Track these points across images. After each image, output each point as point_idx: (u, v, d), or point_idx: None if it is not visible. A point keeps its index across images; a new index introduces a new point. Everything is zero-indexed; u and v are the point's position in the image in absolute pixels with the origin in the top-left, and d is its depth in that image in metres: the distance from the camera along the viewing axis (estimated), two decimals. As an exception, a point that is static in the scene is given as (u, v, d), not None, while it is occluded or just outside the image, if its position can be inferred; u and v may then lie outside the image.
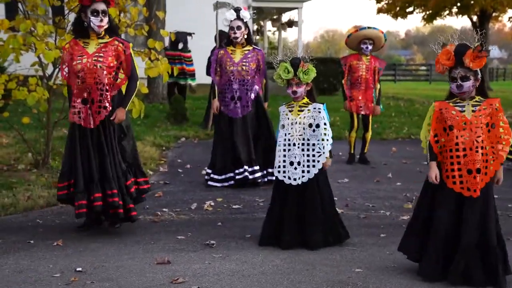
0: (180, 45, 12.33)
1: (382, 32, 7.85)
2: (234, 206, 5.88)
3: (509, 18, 22.69)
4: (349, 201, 6.13)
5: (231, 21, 6.55)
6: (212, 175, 6.71)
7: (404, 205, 5.95)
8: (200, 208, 5.78)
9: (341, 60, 8.25)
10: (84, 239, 4.74)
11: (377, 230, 5.08)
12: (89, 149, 4.69)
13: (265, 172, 6.72)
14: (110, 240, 4.74)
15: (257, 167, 6.63)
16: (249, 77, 6.60)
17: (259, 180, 6.66)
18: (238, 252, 4.47)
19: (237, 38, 6.57)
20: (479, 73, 3.80)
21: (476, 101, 3.82)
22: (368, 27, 7.77)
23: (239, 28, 6.53)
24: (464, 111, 3.80)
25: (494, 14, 26.89)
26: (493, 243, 3.78)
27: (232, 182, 6.63)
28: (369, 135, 8.22)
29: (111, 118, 4.72)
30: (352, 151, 8.27)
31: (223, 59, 6.66)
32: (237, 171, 6.60)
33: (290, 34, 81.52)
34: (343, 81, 8.03)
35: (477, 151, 3.74)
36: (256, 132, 6.73)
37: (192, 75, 12.51)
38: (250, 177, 6.58)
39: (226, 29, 6.75)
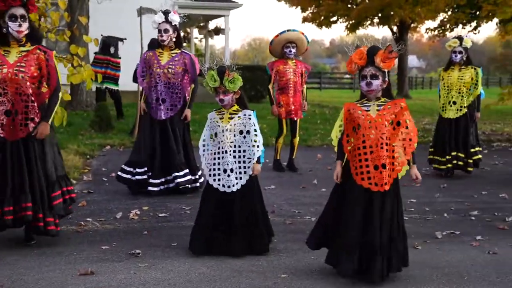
0: (112, 49, 12.14)
1: (303, 33, 7.95)
2: (160, 215, 5.81)
3: (426, 29, 23.65)
4: (275, 207, 6.19)
5: (159, 23, 6.51)
6: (123, 167, 6.65)
7: (329, 210, 6.06)
8: (126, 217, 5.67)
9: (267, 66, 8.31)
10: (1, 252, 4.54)
11: (303, 235, 5.13)
12: (6, 161, 4.51)
13: (193, 178, 6.69)
14: (29, 252, 4.57)
15: (180, 173, 6.54)
16: (175, 80, 6.55)
17: (183, 185, 6.59)
18: (164, 260, 4.41)
19: (164, 41, 6.53)
20: (387, 76, 3.96)
21: (381, 102, 3.98)
22: (288, 30, 7.89)
23: (166, 31, 6.49)
24: (369, 110, 3.96)
25: (412, 25, 28.01)
26: (396, 236, 3.92)
27: (155, 188, 6.53)
28: (297, 140, 8.32)
29: (33, 134, 4.55)
30: (278, 157, 8.35)
31: (150, 61, 6.61)
32: (157, 182, 6.53)
33: (217, 42, 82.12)
34: (269, 87, 8.12)
35: (382, 148, 3.89)
36: (182, 136, 6.67)
37: (115, 80, 12.28)
38: (178, 180, 6.51)
39: (155, 32, 6.68)
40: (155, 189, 6.52)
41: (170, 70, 6.53)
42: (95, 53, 12.32)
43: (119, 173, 6.67)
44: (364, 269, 3.89)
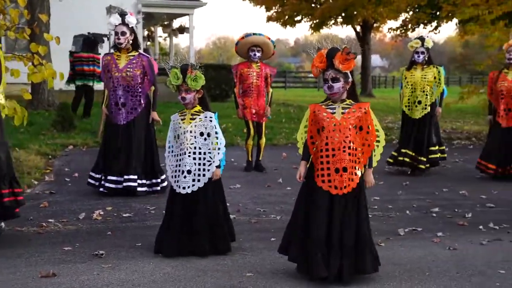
0: (101, 46, 12.00)
1: (269, 38, 7.94)
2: (124, 215, 5.75)
3: (389, 29, 23.95)
4: (240, 206, 6.20)
5: (115, 26, 6.41)
6: (91, 173, 6.61)
7: (293, 209, 6.10)
8: (89, 218, 5.60)
9: (232, 69, 8.30)
10: (-39, 255, 4.44)
11: (268, 234, 5.17)
12: None
13: (148, 182, 6.60)
14: (-11, 254, 4.47)
15: (134, 176, 6.45)
16: (133, 83, 6.48)
17: (139, 189, 6.49)
18: (128, 261, 4.37)
19: (121, 44, 6.44)
20: (350, 76, 3.98)
21: (346, 104, 4.00)
22: (254, 34, 7.88)
23: (123, 33, 6.40)
24: (334, 113, 3.98)
25: (375, 25, 28.36)
26: (351, 241, 3.92)
27: (104, 189, 6.47)
28: (263, 142, 8.30)
29: None
30: (250, 159, 8.33)
31: (109, 65, 6.52)
32: (113, 179, 6.45)
33: (182, 40, 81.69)
34: (235, 90, 8.11)
35: (344, 151, 3.92)
36: (144, 139, 6.61)
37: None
38: (124, 184, 6.42)
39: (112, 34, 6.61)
40: (112, 185, 6.44)
41: (128, 73, 6.44)
42: (74, 52, 12.14)
43: (107, 184, 6.51)
44: (331, 269, 3.88)
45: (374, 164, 4.08)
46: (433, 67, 7.92)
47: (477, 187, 7.27)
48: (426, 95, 7.89)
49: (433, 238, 5.04)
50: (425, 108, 7.93)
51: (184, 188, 4.46)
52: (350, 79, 3.99)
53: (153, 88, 6.68)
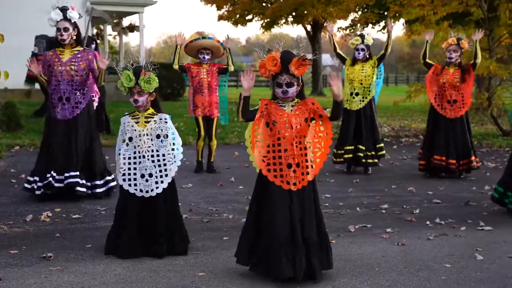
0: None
1: (218, 41, 7.95)
2: (73, 216, 5.64)
3: (338, 28, 24.25)
4: (193, 205, 6.18)
5: (57, 22, 6.24)
6: (29, 178, 6.36)
7: (245, 208, 6.10)
8: (36, 220, 5.47)
9: (183, 67, 8.23)
10: None
11: (220, 233, 5.17)
12: None
13: (89, 184, 6.40)
14: None
15: (76, 173, 6.25)
16: (78, 77, 6.34)
17: (79, 189, 6.27)
18: (77, 263, 4.29)
19: (64, 40, 6.27)
20: (301, 78, 4.04)
21: (294, 102, 4.04)
22: (203, 37, 7.88)
23: (66, 29, 6.24)
24: (284, 109, 4.00)
25: (325, 24, 28.69)
26: (314, 237, 3.95)
27: (48, 190, 6.26)
28: (214, 144, 8.22)
29: None
30: (200, 159, 8.29)
31: (51, 60, 6.30)
32: (57, 177, 6.25)
33: (132, 39, 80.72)
34: (189, 91, 8.10)
35: (296, 146, 3.95)
36: (89, 135, 6.46)
37: None
38: (66, 182, 6.23)
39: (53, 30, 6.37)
40: (59, 185, 6.29)
41: (73, 67, 6.28)
42: (38, 54, 11.77)
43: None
44: (296, 268, 3.86)
45: (325, 158, 4.10)
46: (370, 60, 8.02)
47: (424, 184, 7.45)
48: (364, 87, 8.00)
49: (383, 234, 5.14)
50: (363, 101, 8.03)
51: (147, 191, 4.42)
52: (301, 81, 4.04)
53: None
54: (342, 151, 8.08)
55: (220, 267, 4.27)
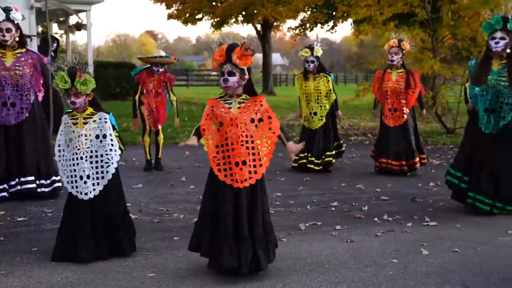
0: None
1: (175, 58, 8.12)
2: (19, 219, 5.50)
3: (288, 28, 24.48)
4: (142, 206, 6.11)
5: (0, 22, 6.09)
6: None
7: (197, 208, 6.06)
8: (-20, 224, 5.30)
9: (135, 78, 8.17)
10: None
11: (171, 233, 5.13)
12: None
13: (47, 182, 6.35)
14: None
15: (31, 178, 6.22)
16: (23, 82, 6.19)
17: (40, 190, 6.26)
18: (23, 267, 4.18)
19: (6, 41, 6.11)
20: (246, 73, 4.05)
21: (242, 99, 4.07)
22: (161, 56, 7.91)
23: (8, 30, 6.08)
24: (231, 107, 4.04)
25: (275, 24, 28.87)
26: (260, 232, 4.02)
27: (5, 194, 6.17)
28: (161, 138, 8.24)
29: None
30: (149, 157, 8.23)
31: None
32: (11, 183, 6.18)
33: (79, 38, 78.98)
34: (135, 98, 8.05)
35: (242, 145, 3.99)
36: (38, 136, 6.34)
37: None
38: (23, 187, 6.19)
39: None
40: (13, 190, 6.18)
41: (17, 72, 6.14)
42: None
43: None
44: (242, 261, 3.92)
45: (271, 156, 4.13)
46: (323, 76, 8.14)
47: (373, 181, 7.59)
48: (321, 106, 8.13)
49: (332, 232, 5.21)
50: (321, 119, 8.16)
51: (86, 194, 4.34)
52: (247, 76, 4.05)
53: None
54: (297, 157, 8.18)
55: (171, 267, 4.24)
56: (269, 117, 4.06)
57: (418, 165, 8.02)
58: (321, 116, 8.15)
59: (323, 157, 8.17)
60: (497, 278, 4.03)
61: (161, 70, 7.95)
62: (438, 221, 5.55)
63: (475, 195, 5.80)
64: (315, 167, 8.15)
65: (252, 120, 4.02)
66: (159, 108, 8.06)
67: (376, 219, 5.65)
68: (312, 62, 8.03)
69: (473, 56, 12.13)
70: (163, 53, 7.99)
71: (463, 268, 4.24)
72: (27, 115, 6.24)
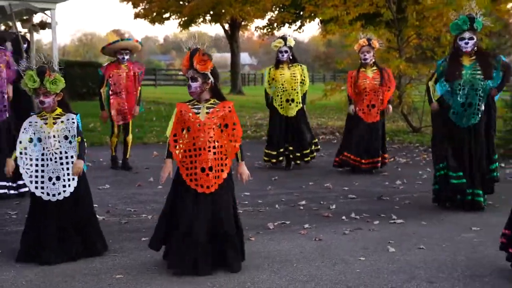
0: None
1: (137, 41, 8.03)
2: (-18, 222, 5.39)
3: (256, 27, 24.50)
4: (110, 207, 6.05)
5: None
6: None
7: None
8: None
9: (100, 70, 8.10)
10: None
11: (139, 234, 5.10)
12: None
13: (15, 184, 6.27)
14: None
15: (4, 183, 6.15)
16: (1, 80, 6.09)
17: (11, 192, 6.20)
18: (-13, 271, 4.11)
19: None
20: (210, 77, 4.08)
21: (211, 104, 4.14)
22: (122, 39, 7.88)
23: None
24: (199, 113, 4.10)
25: (243, 23, 28.86)
26: (231, 232, 4.11)
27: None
28: (130, 138, 8.20)
29: None
30: (114, 153, 8.21)
31: None
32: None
33: (44, 36, 77.74)
34: (101, 90, 7.96)
35: (209, 151, 4.07)
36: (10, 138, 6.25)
37: None
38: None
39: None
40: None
41: None
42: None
43: None
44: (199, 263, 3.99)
45: (233, 157, 4.20)
46: (298, 66, 8.23)
47: (340, 180, 7.66)
48: (297, 92, 8.19)
49: (301, 230, 5.24)
50: (298, 106, 8.22)
51: (54, 195, 4.28)
52: (211, 80, 4.09)
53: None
54: (275, 153, 8.19)
55: (139, 268, 4.21)
56: (234, 124, 4.13)
57: (378, 164, 8.12)
58: (297, 103, 8.21)
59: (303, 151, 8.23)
60: (461, 274, 4.11)
61: (126, 57, 7.85)
62: (404, 218, 5.63)
63: (473, 191, 5.91)
64: (305, 159, 8.20)
65: (219, 126, 4.10)
66: (130, 99, 7.96)
67: (344, 217, 5.71)
68: (286, 52, 8.09)
69: (437, 56, 12.35)
70: (124, 36, 7.97)
71: (429, 264, 4.32)
72: (8, 114, 6.17)
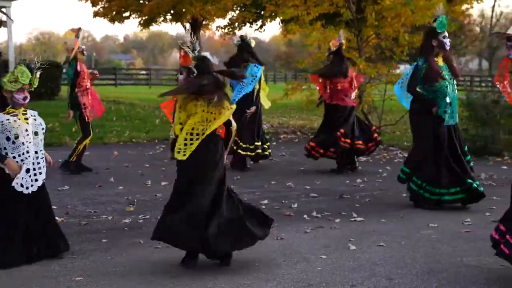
0: None
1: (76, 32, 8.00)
2: None
3: (217, 27, 24.41)
4: (69, 208, 5.96)
5: None
6: None
7: (126, 209, 6.00)
8: None
9: (76, 68, 7.99)
10: None
11: (99, 235, 5.03)
12: None
13: None
14: None
15: None
16: None
17: None
18: None
19: None
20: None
21: None
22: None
23: None
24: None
25: (204, 22, 28.73)
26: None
27: None
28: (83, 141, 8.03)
29: None
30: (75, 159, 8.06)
31: None
32: None
33: None
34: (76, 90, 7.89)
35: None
36: None
37: None
38: None
39: None
40: None
41: None
42: None
43: None
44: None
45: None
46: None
47: (302, 179, 7.71)
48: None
49: (262, 229, 5.24)
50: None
51: (27, 188, 4.24)
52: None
53: None
54: (253, 146, 8.19)
55: (99, 270, 4.16)
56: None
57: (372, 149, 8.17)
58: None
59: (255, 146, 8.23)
60: (419, 270, 4.19)
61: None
62: (364, 216, 5.71)
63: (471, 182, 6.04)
64: (250, 153, 8.16)
65: None
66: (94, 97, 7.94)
67: (305, 216, 5.75)
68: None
69: (396, 56, 12.55)
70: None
71: (388, 261, 4.39)
72: None
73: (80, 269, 4.17)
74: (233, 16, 23.00)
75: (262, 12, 18.10)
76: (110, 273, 4.10)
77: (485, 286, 3.88)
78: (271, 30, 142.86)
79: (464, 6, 15.52)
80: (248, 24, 21.52)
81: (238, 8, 21.73)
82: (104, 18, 26.19)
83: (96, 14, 26.03)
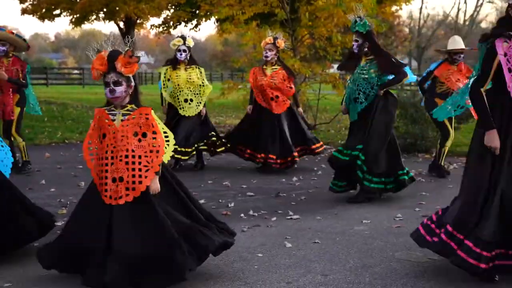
0: None
1: (12, 33, 7.64)
2: None
3: (152, 25, 24.13)
4: (-3, 213, 5.73)
5: None
6: None
7: (58, 211, 5.84)
8: None
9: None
10: None
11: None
12: None
13: None
14: None
15: None
16: None
17: None
18: None
19: None
20: (132, 80, 3.87)
21: (127, 110, 3.88)
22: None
23: None
24: (114, 120, 3.85)
25: (138, 21, 28.32)
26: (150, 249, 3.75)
27: None
28: (17, 142, 7.85)
29: None
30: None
31: None
32: None
33: None
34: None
35: (121, 160, 3.78)
36: None
37: None
38: None
39: None
40: None
41: None
42: None
43: None
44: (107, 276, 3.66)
45: (152, 176, 3.86)
46: (196, 68, 8.19)
47: (239, 178, 7.74)
48: (195, 94, 8.14)
49: (199, 229, 5.22)
50: (198, 106, 8.16)
51: None
52: (133, 83, 3.88)
53: None
54: (190, 150, 8.09)
55: (29, 275, 4.03)
56: (154, 133, 3.85)
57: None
58: (198, 103, 8.17)
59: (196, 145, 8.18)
60: (353, 266, 4.29)
61: (2, 48, 7.49)
62: (300, 214, 5.79)
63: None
64: (182, 156, 8.07)
65: (135, 134, 3.82)
66: (7, 104, 7.65)
67: (242, 215, 5.77)
68: (184, 51, 8.04)
69: (329, 55, 12.79)
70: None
71: (323, 258, 4.47)
72: None
73: (9, 275, 4.01)
74: (167, 15, 22.81)
75: (197, 11, 18.04)
76: (42, 278, 3.98)
77: (414, 279, 4.02)
78: (207, 29, 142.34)
79: (394, 8, 15.99)
80: (183, 23, 21.38)
81: (173, 7, 21.56)
82: (33, 16, 25.34)
83: (24, 12, 25.15)
